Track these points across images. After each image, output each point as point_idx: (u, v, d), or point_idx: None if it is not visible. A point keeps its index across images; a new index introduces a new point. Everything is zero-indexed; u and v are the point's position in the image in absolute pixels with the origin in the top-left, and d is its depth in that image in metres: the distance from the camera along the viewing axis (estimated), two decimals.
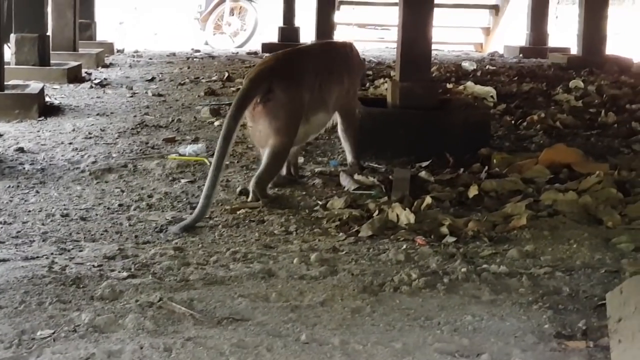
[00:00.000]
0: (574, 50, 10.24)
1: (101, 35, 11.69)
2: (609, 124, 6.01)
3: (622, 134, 5.70)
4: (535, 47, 11.57)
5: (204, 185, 3.79)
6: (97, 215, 3.83)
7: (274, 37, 12.66)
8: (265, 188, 4.08)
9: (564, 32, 12.07)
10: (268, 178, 4.12)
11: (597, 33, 9.52)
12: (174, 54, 11.39)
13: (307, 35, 12.05)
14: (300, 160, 4.81)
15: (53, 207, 3.92)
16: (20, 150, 5.07)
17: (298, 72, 4.21)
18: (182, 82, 8.32)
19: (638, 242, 3.46)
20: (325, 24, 11.61)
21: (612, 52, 9.97)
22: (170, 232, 3.59)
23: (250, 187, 4.08)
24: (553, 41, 11.88)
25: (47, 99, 6.87)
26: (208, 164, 4.67)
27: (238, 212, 3.86)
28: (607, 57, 9.51)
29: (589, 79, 8.34)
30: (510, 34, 13.58)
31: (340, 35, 13.18)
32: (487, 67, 9.83)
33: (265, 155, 4.10)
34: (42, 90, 6.59)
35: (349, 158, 4.67)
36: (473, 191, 4.12)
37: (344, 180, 4.33)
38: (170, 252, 3.29)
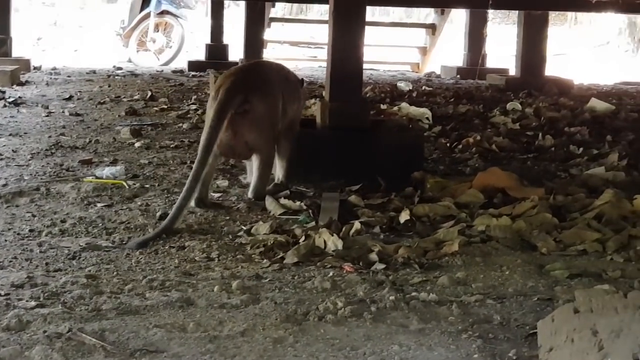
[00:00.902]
0: (513, 71, 10.17)
1: (17, 51, 11.36)
2: (546, 147, 5.96)
3: (559, 157, 5.65)
4: (472, 67, 11.46)
5: (121, 209, 3.65)
6: (6, 241, 3.65)
7: (201, 55, 12.46)
8: (264, 195, 4.28)
9: (493, 52, 12.05)
10: (264, 185, 4.35)
11: (536, 54, 9.41)
12: (94, 72, 11.12)
13: (236, 53, 11.89)
14: (225, 183, 4.70)
15: None
16: None
17: (269, 83, 4.37)
18: (101, 101, 8.05)
19: (572, 268, 3.40)
20: (254, 41, 11.31)
21: (552, 73, 9.91)
22: (129, 247, 3.56)
23: (249, 198, 4.31)
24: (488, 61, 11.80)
25: None
26: (127, 187, 4.51)
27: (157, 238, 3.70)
28: (546, 79, 9.38)
29: (527, 101, 8.29)
30: (448, 54, 13.55)
31: (270, 53, 13.01)
32: (423, 87, 9.75)
33: (256, 165, 4.31)
34: None
35: (279, 176, 4.56)
36: (404, 216, 4.02)
37: (270, 204, 4.19)
38: (83, 280, 3.14)
